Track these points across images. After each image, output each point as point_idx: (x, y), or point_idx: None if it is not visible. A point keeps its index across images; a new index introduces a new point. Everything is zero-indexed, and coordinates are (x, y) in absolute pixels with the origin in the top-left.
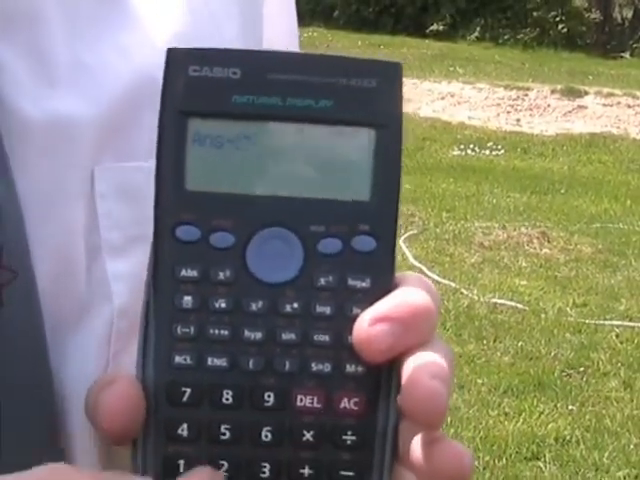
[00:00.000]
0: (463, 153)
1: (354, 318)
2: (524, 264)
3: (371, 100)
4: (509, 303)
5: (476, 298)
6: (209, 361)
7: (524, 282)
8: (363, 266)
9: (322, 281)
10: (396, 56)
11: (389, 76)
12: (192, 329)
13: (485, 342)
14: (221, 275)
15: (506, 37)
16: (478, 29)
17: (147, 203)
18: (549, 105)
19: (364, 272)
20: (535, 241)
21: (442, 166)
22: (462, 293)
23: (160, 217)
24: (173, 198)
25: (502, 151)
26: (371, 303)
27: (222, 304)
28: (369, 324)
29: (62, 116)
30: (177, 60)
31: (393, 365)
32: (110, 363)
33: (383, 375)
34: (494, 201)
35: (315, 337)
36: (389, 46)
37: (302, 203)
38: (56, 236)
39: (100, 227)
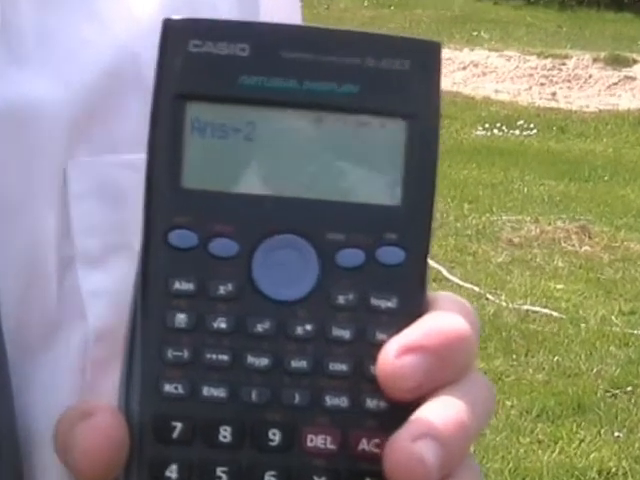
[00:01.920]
0: (488, 133)
1: (377, 345)
2: (561, 264)
3: (404, 85)
4: (543, 310)
5: (504, 305)
6: (205, 391)
7: (560, 286)
8: (389, 283)
9: (341, 299)
10: (409, 18)
11: (425, 57)
12: (186, 353)
13: (515, 357)
14: (222, 289)
15: None
16: None
17: (131, 205)
18: (590, 76)
19: (390, 290)
20: (574, 237)
21: (463, 149)
22: (487, 299)
23: (151, 219)
24: (166, 197)
25: (535, 131)
26: (398, 328)
27: (222, 324)
28: (396, 355)
29: (27, 101)
30: (174, 33)
31: (422, 401)
32: (86, 393)
33: (409, 413)
34: (525, 190)
35: (331, 366)
36: (400, 6)
37: (319, 206)
38: (21, 244)
39: (74, 233)
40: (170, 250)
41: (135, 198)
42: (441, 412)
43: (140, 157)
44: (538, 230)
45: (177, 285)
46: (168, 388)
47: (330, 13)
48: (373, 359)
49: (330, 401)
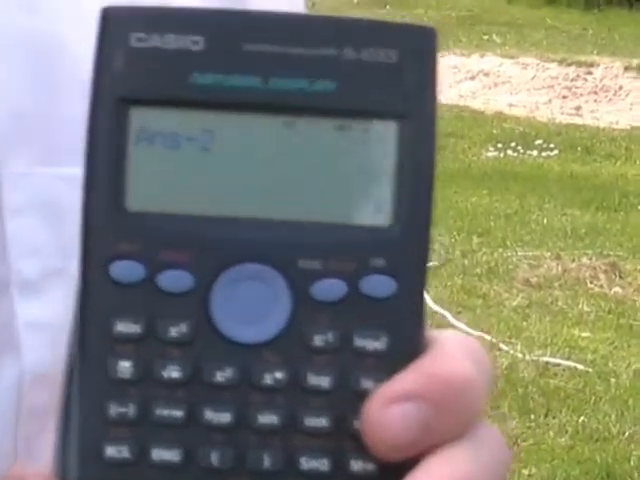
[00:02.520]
0: (501, 154)
1: (363, 394)
2: (586, 308)
3: (391, 81)
4: (566, 363)
5: (520, 356)
6: (155, 454)
7: (586, 334)
8: (377, 319)
9: (318, 340)
10: (408, 19)
11: (417, 46)
12: (132, 408)
13: (533, 417)
14: (174, 331)
15: None
16: None
17: (70, 225)
18: (621, 87)
19: (378, 328)
20: (602, 276)
21: (472, 172)
22: (500, 349)
23: (89, 248)
24: (107, 221)
25: (556, 151)
26: (388, 374)
27: (175, 372)
28: (384, 403)
29: None
30: (114, 24)
31: (417, 462)
32: (19, 451)
33: (403, 476)
34: (544, 221)
35: (307, 421)
36: (398, 5)
37: (290, 229)
38: None
39: (9, 253)
40: (112, 284)
41: (75, 217)
42: (446, 468)
43: (80, 171)
44: (560, 268)
45: (120, 327)
46: (111, 451)
47: (315, 12)
48: (357, 412)
49: (307, 464)
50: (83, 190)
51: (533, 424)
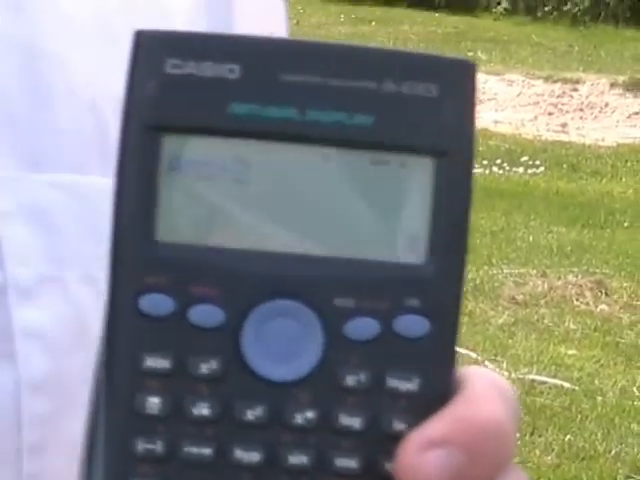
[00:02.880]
0: (487, 171)
1: (395, 436)
2: (572, 326)
3: (430, 116)
4: (552, 381)
5: (506, 374)
6: None
7: (572, 352)
8: (410, 359)
9: (350, 380)
10: (393, 36)
11: (457, 81)
12: (160, 445)
13: (519, 435)
14: (204, 367)
15: (547, 9)
16: None
17: (64, 233)
18: (607, 104)
19: (411, 368)
20: (588, 294)
21: None
22: (486, 367)
23: (117, 279)
24: (136, 252)
25: (542, 168)
26: (420, 416)
27: (204, 410)
28: (419, 449)
29: None
30: (148, 49)
31: None
32: (24, 460)
33: None
34: (530, 238)
35: (337, 462)
36: (383, 21)
37: (325, 265)
38: None
39: (5, 258)
40: (141, 318)
41: (67, 225)
42: None
43: (71, 178)
44: (546, 286)
45: (149, 362)
46: None
47: (300, 29)
48: (389, 454)
49: None
50: (112, 219)
51: (519, 442)
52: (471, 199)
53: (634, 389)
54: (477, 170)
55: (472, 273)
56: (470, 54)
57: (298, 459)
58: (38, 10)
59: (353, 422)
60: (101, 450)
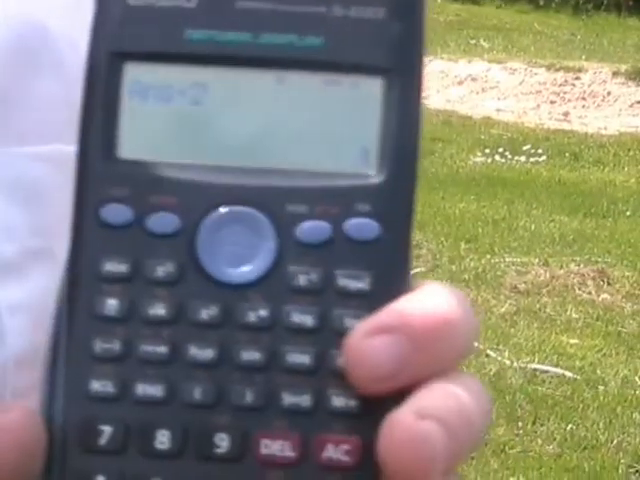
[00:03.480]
0: (489, 160)
1: (345, 333)
2: (574, 315)
3: (378, 37)
4: (554, 370)
5: (508, 363)
6: (139, 389)
7: (575, 340)
8: (361, 260)
9: (302, 280)
10: None
11: (405, 4)
12: (117, 345)
13: (521, 424)
14: (160, 271)
15: None
16: None
17: (51, 205)
18: (609, 93)
19: (362, 269)
20: (590, 283)
21: (460, 178)
22: (488, 356)
23: (81, 194)
24: (99, 168)
25: (544, 157)
26: (371, 312)
27: (160, 310)
28: (366, 335)
29: None
30: None
31: (399, 401)
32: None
33: (385, 413)
34: (532, 227)
35: (289, 358)
36: None
37: (277, 176)
38: None
39: None
40: (102, 227)
41: (55, 196)
42: (439, 396)
43: (56, 148)
44: (548, 275)
45: (108, 267)
46: (96, 386)
47: None
48: (340, 350)
49: (289, 400)
50: (77, 139)
51: (521, 432)
52: (420, 113)
53: (636, 378)
54: (479, 159)
55: (474, 262)
56: (472, 42)
57: (251, 355)
58: None
59: (305, 320)
60: (62, 352)
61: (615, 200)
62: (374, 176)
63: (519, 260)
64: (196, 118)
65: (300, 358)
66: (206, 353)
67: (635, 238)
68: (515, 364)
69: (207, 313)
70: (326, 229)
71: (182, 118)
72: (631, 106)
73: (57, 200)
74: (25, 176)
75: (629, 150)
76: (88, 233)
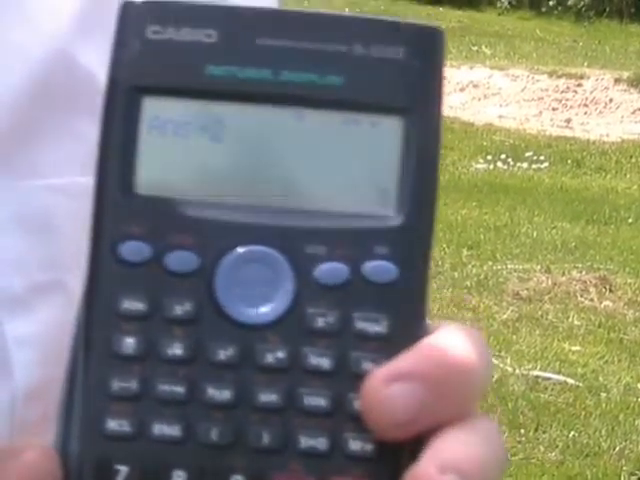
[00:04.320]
0: (491, 166)
1: (363, 376)
2: (577, 322)
3: (397, 77)
4: (556, 377)
5: (510, 370)
6: (156, 429)
7: (577, 348)
8: (378, 303)
9: (319, 322)
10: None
11: (424, 44)
12: (134, 384)
13: (523, 431)
14: (178, 309)
15: (552, 4)
16: None
17: (64, 237)
18: (611, 100)
19: (379, 311)
20: (592, 290)
21: (462, 184)
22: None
23: (98, 230)
24: (117, 204)
25: (546, 164)
26: (388, 356)
27: (178, 350)
28: (384, 382)
29: None
30: (132, 17)
31: (416, 445)
32: None
33: (402, 457)
34: (534, 234)
35: (306, 400)
36: (389, 14)
37: (296, 216)
38: None
39: None
40: (119, 264)
41: (68, 228)
42: (458, 447)
43: (73, 181)
44: (550, 282)
45: (126, 304)
46: (113, 425)
47: None
48: (357, 393)
49: (305, 442)
50: (95, 173)
51: (523, 439)
52: (439, 154)
53: (638, 385)
54: (481, 165)
55: (476, 269)
56: (474, 48)
57: (268, 397)
58: (44, 12)
59: (322, 362)
60: (79, 390)
61: (617, 207)
62: (392, 218)
63: (521, 267)
64: (215, 155)
65: (317, 401)
66: (223, 394)
67: (637, 245)
68: (517, 371)
69: (224, 353)
70: (344, 271)
71: (201, 154)
72: (633, 113)
73: (70, 232)
74: (38, 208)
75: (631, 157)
76: (105, 270)
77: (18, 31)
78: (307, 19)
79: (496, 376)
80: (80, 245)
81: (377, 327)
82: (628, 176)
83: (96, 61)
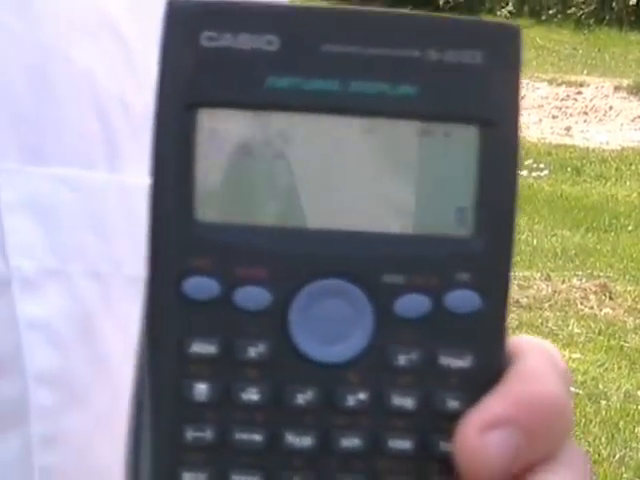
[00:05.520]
0: None
1: (449, 415)
2: (577, 330)
3: (476, 84)
4: None
5: None
6: None
7: (577, 355)
8: (462, 336)
9: (402, 359)
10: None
11: (503, 47)
12: (209, 432)
13: None
14: (251, 351)
15: (552, 12)
16: (512, 0)
17: (66, 227)
18: (611, 107)
19: (463, 345)
20: (592, 297)
21: None
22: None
23: (158, 263)
24: (177, 234)
25: (545, 172)
26: (474, 393)
27: (253, 395)
28: (479, 431)
29: None
30: (181, 21)
31: None
32: (37, 472)
33: None
34: (534, 241)
35: (391, 443)
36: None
37: (372, 241)
38: None
39: (8, 250)
40: (185, 302)
41: (71, 219)
42: None
43: (76, 172)
44: (550, 289)
45: (195, 347)
46: (189, 478)
47: None
48: (443, 433)
49: None
50: (150, 201)
51: None
52: (518, 169)
53: (638, 393)
54: None
55: None
56: None
57: (351, 442)
58: (46, 10)
59: (406, 402)
60: (148, 440)
61: (617, 214)
62: (471, 240)
63: (521, 274)
64: (281, 174)
65: (401, 444)
66: (304, 440)
67: (637, 252)
68: None
69: (303, 397)
70: (425, 303)
71: (266, 174)
72: (633, 120)
73: (75, 223)
74: (46, 196)
75: (631, 165)
76: (169, 309)
77: (13, 19)
78: (375, 20)
79: None
80: (83, 239)
81: (461, 362)
82: (628, 184)
83: (94, 58)
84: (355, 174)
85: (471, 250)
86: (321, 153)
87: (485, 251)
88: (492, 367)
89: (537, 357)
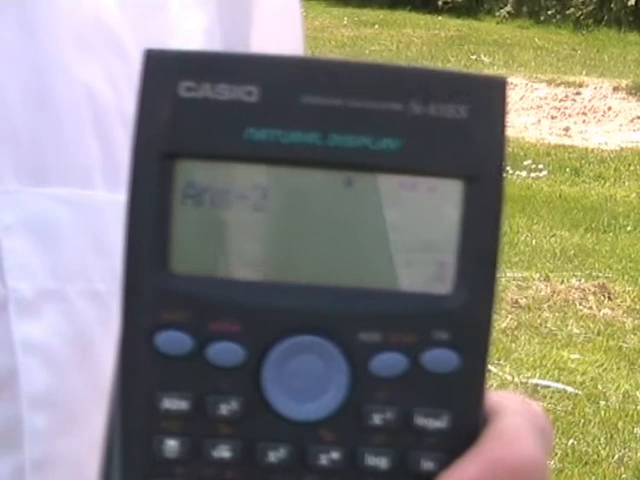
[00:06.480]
0: None
1: (422, 475)
2: (576, 330)
3: (460, 139)
4: (555, 385)
5: (509, 378)
6: None
7: (576, 356)
8: (439, 396)
9: (376, 419)
10: (396, 39)
11: (487, 101)
12: None
13: None
14: (224, 408)
15: (550, 12)
16: (511, 1)
17: (66, 247)
18: (610, 108)
19: (440, 405)
20: (591, 298)
21: None
22: (489, 371)
23: (131, 315)
24: (151, 286)
25: (544, 172)
26: (450, 454)
27: (225, 452)
28: None
29: None
30: (160, 70)
31: None
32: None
33: None
34: (533, 242)
35: None
36: (386, 24)
37: (348, 297)
38: None
39: (5, 271)
40: (157, 357)
41: (70, 238)
42: None
43: (75, 192)
44: (549, 290)
45: (167, 403)
46: None
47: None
48: None
49: None
50: (125, 251)
51: None
52: (502, 226)
53: (637, 393)
54: None
55: None
56: (473, 57)
57: None
58: (44, 26)
59: (380, 462)
60: None
61: (616, 215)
62: (452, 297)
63: (520, 275)
64: (258, 227)
65: None
66: None
67: (636, 253)
68: (516, 379)
69: (275, 455)
70: (402, 362)
71: (242, 227)
72: (632, 121)
73: (74, 243)
74: (44, 216)
75: (630, 165)
76: (141, 362)
77: (11, 36)
78: (358, 71)
79: (495, 384)
80: (81, 258)
81: (437, 422)
82: (627, 184)
83: (94, 74)
84: (334, 229)
85: (451, 307)
86: (300, 207)
87: (465, 308)
88: (469, 427)
89: (515, 416)
